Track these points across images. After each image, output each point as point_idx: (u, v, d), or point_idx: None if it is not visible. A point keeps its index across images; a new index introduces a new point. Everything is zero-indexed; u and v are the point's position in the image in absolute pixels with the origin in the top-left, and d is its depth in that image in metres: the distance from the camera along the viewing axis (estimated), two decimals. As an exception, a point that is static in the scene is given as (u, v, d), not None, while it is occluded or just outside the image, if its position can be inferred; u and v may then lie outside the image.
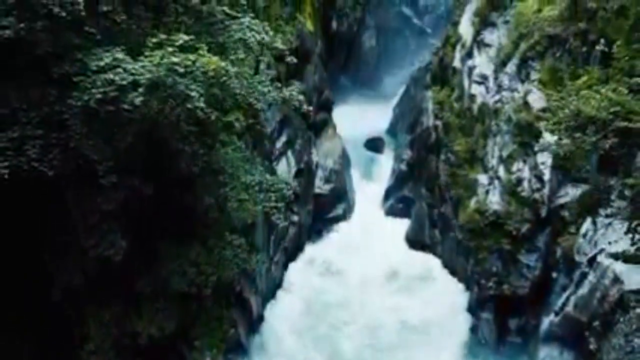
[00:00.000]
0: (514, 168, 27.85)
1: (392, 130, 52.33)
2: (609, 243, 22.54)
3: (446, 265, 33.71)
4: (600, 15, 27.27)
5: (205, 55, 14.29)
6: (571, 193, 26.13)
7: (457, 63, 39.17)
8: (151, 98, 13.36)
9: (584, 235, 25.13)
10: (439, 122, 38.39)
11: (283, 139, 36.73)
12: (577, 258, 25.04)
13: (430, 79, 44.07)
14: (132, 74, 13.16)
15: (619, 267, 22.34)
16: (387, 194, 42.39)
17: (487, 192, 28.83)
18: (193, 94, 14.24)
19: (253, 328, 27.95)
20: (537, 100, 28.67)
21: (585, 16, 27.92)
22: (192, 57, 13.65)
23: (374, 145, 49.63)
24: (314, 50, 45.91)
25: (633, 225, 15.30)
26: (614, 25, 26.27)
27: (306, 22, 45.60)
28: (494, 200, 28.04)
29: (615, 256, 18.34)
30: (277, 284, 31.76)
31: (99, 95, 13.05)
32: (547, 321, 25.87)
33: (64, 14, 13.00)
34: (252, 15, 18.77)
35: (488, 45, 36.13)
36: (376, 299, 31.11)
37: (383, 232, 37.45)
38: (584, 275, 24.65)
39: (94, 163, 14.35)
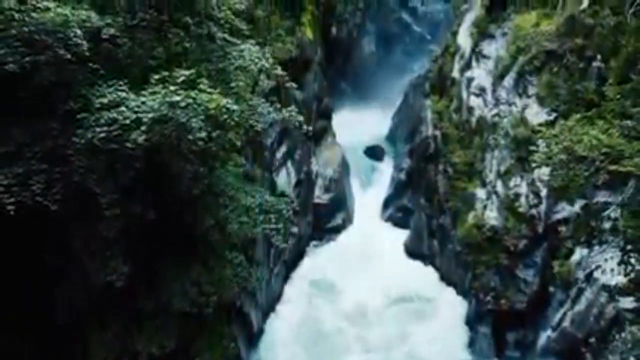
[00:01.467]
0: (512, 183, 28.08)
1: (391, 137, 52.57)
2: (605, 260, 22.85)
3: (444, 276, 33.95)
4: (598, 32, 27.52)
5: (205, 91, 14.54)
6: (568, 209, 26.37)
7: (455, 73, 39.38)
8: (154, 135, 13.61)
9: (581, 251, 25.43)
10: (437, 132, 38.62)
11: (283, 149, 36.94)
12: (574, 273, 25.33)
13: (429, 88, 44.30)
14: (135, 112, 13.42)
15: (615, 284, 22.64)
16: (386, 203, 42.63)
17: (485, 206, 29.06)
18: (194, 125, 14.50)
19: (253, 342, 28.19)
20: (534, 115, 28.88)
21: (582, 32, 28.10)
22: (193, 94, 13.89)
23: (373, 152, 49.88)
24: (313, 58, 46.14)
25: (625, 258, 15.57)
26: (610, 42, 26.62)
27: (306, 30, 45.86)
28: (492, 216, 28.29)
29: (609, 289, 18.59)
30: (277, 297, 31.98)
31: (102, 134, 13.32)
32: (545, 336, 26.15)
33: (68, 55, 13.27)
34: (252, 42, 18.97)
35: (486, 57, 36.33)
36: (374, 318, 31.24)
37: (382, 243, 37.63)
38: (580, 291, 24.94)
39: (97, 196, 14.62)
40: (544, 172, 27.24)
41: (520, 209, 27.11)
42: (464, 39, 40.50)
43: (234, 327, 25.55)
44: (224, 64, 17.97)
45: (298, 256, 35.29)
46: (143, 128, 13.24)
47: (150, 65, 17.00)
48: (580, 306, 24.53)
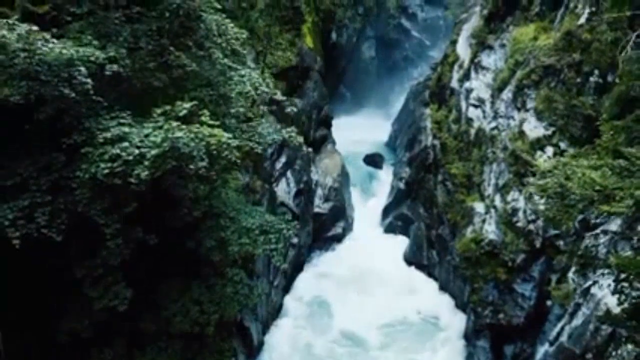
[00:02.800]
0: (510, 198, 28.29)
1: (391, 144, 52.94)
2: (602, 275, 23.06)
3: (443, 287, 34.22)
4: (595, 47, 27.70)
5: (207, 123, 14.78)
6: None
7: (454, 84, 39.62)
8: (157, 171, 13.86)
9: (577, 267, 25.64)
10: (436, 142, 38.92)
11: (282, 159, 37.17)
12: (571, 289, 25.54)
13: (428, 96, 44.66)
14: (138, 147, 13.66)
15: (612, 300, 22.84)
16: (386, 211, 42.93)
17: (483, 221, 29.29)
18: (195, 155, 14.72)
19: (253, 355, 28.41)
20: (532, 129, 29.08)
21: (580, 48, 28.29)
22: (195, 129, 14.12)
23: (373, 160, 50.17)
24: (313, 66, 46.40)
25: (619, 286, 15.81)
26: (608, 58, 26.81)
27: (305, 39, 46.10)
28: (490, 230, 28.51)
29: (602, 319, 18.81)
30: (277, 310, 32.21)
31: (106, 171, 13.57)
32: (542, 350, 26.34)
33: (73, 94, 13.52)
34: (252, 66, 19.20)
35: (485, 68, 36.57)
36: (372, 329, 31.47)
37: (381, 252, 37.88)
38: (578, 306, 25.12)
39: (101, 226, 14.87)
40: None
41: (519, 224, 27.30)
42: (463, 49, 40.77)
43: (234, 342, 25.76)
44: (225, 90, 18.21)
45: (298, 267, 35.50)
46: (146, 163, 13.49)
47: (153, 89, 17.25)
48: (578, 321, 24.71)
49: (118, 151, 13.59)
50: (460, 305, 31.90)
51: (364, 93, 61.16)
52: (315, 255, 38.08)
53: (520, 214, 27.48)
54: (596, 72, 27.60)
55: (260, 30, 37.27)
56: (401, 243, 38.99)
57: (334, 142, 47.19)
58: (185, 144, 13.81)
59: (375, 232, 41.44)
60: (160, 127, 14.10)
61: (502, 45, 35.88)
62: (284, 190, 36.39)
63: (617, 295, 15.72)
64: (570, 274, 25.54)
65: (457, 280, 32.18)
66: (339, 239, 40.25)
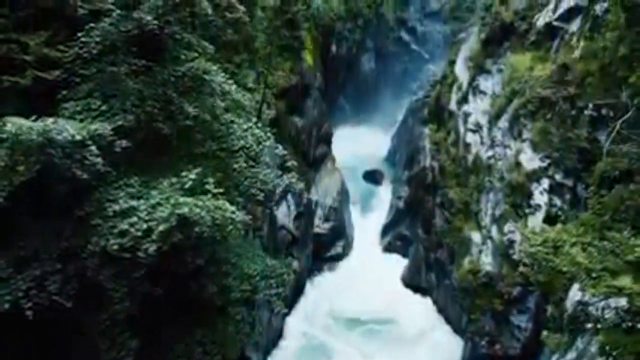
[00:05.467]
0: (506, 229, 28.84)
1: (390, 159, 53.41)
2: (596, 309, 23.65)
3: (441, 310, 34.81)
4: (589, 82, 28.18)
5: (211, 191, 15.33)
6: (561, 253, 27.17)
7: (453, 106, 40.18)
8: (164, 244, 14.43)
9: (572, 298, 26.18)
10: (435, 164, 39.49)
11: (283, 182, 37.58)
12: (568, 311, 26.08)
13: (427, 115, 45.20)
14: (146, 221, 14.23)
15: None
16: (385, 230, 43.52)
17: (480, 251, 29.88)
18: (200, 225, 15.26)
19: (255, 382, 29.04)
20: (528, 160, 29.61)
21: (575, 82, 28.74)
22: (200, 202, 14.67)
23: (372, 177, 50.74)
24: (313, 84, 46.88)
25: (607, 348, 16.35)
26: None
27: (305, 57, 46.48)
28: (487, 261, 29.10)
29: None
30: (279, 334, 32.81)
31: (115, 246, 14.14)
32: (538, 381, 26.97)
33: (85, 176, 14.09)
34: (253, 121, 19.76)
35: (483, 93, 37.11)
36: (372, 351, 32.11)
37: (381, 273, 38.38)
38: (573, 339, 25.68)
39: (110, 291, 15.44)
40: (537, 219, 28.16)
41: (515, 256, 27.84)
42: (461, 71, 41.31)
43: (237, 372, 26.30)
44: (228, 144, 18.77)
45: (298, 290, 36.05)
46: (154, 237, 14.05)
47: (160, 141, 17.80)
48: (572, 355, 25.23)
49: (127, 226, 14.15)
50: (458, 331, 32.49)
51: (364, 104, 61.57)
52: (315, 276, 38.66)
53: (517, 246, 28.00)
54: (590, 105, 28.02)
55: (260, 52, 37.70)
56: (400, 263, 39.54)
57: (333, 160, 47.60)
58: (192, 218, 14.38)
59: (374, 252, 42.02)
60: (167, 199, 14.65)
61: (500, 70, 36.40)
62: (284, 213, 36.89)
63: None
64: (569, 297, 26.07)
65: (455, 305, 32.75)
66: (338, 258, 40.83)
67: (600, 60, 21.63)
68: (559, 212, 28.11)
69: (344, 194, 44.18)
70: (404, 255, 40.41)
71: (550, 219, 27.88)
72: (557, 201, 28.11)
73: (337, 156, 47.98)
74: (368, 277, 37.67)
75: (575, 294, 16.13)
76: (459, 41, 45.03)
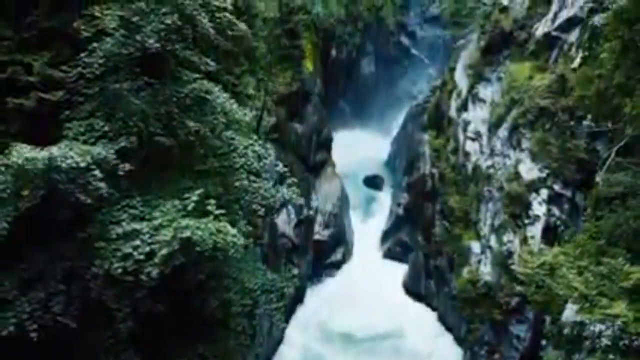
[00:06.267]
0: (505, 239, 29.04)
1: (390, 164, 53.56)
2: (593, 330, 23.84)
3: (441, 318, 35.02)
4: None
5: (213, 213, 15.53)
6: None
7: (452, 113, 40.37)
8: (166, 268, 14.65)
9: (572, 308, 26.39)
10: (435, 171, 39.69)
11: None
12: (565, 331, 26.28)
13: (427, 121, 45.38)
14: (149, 244, 14.44)
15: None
16: (385, 236, 43.72)
17: (479, 261, 30.09)
18: (198, 241, 15.47)
19: (255, 391, 29.24)
20: (528, 171, 29.80)
21: (573, 92, 28.91)
22: (203, 226, 14.87)
23: (373, 182, 50.89)
24: (313, 90, 47.09)
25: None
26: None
27: (306, 63, 46.61)
28: (486, 271, 29.31)
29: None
30: (279, 341, 33.03)
31: (119, 270, 14.36)
32: (538, 390, 27.16)
33: (89, 200, 14.30)
34: (254, 139, 19.98)
35: (482, 101, 37.29)
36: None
37: (381, 280, 38.56)
38: (571, 349, 25.89)
39: (113, 311, 15.65)
40: (536, 230, 28.37)
41: (514, 267, 28.05)
42: (461, 78, 41.47)
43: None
44: (229, 162, 18.97)
45: (298, 299, 36.24)
46: (157, 261, 14.27)
47: (163, 155, 18.05)
48: (571, 364, 25.47)
49: (130, 250, 14.35)
50: (458, 339, 32.70)
51: (364, 108, 61.71)
52: (315, 283, 38.86)
53: (515, 257, 28.23)
54: (589, 116, 28.21)
55: (261, 61, 37.87)
56: (400, 271, 39.73)
57: (333, 165, 47.78)
58: (194, 242, 14.61)
59: (374, 258, 42.20)
60: (170, 221, 14.85)
61: (499, 79, 36.58)
62: (285, 221, 37.13)
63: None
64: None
65: (455, 313, 32.96)
66: (339, 265, 41.02)
67: (596, 86, 21.84)
68: (558, 223, 28.33)
69: (344, 200, 44.38)
70: (404, 261, 40.58)
71: (549, 230, 28.17)
72: (556, 211, 28.32)
73: (337, 160, 48.18)
74: (368, 284, 37.87)
75: (571, 313, 16.32)
76: (459, 48, 45.16)
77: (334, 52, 58.90)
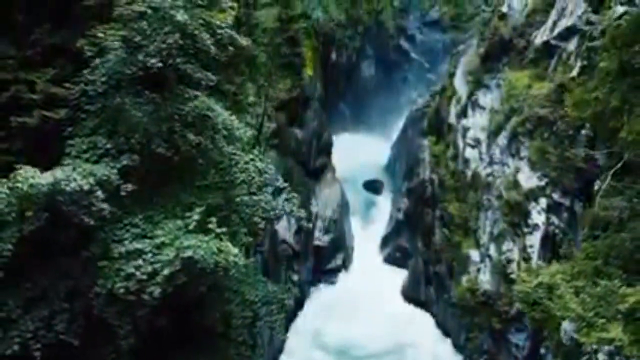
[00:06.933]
0: (504, 248, 29.22)
1: (390, 168, 53.67)
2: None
3: (440, 325, 35.19)
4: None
5: (214, 231, 15.71)
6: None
7: (452, 119, 40.53)
8: (169, 287, 14.83)
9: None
10: (434, 176, 39.85)
11: (283, 197, 37.94)
12: (564, 340, 26.47)
13: (426, 126, 45.55)
14: (151, 263, 14.61)
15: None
16: (385, 241, 43.88)
17: (478, 269, 30.27)
18: (200, 260, 15.66)
19: (255, 400, 29.36)
20: (526, 179, 29.97)
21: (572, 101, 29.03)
22: (204, 245, 15.04)
23: (373, 187, 51.00)
24: (313, 95, 47.29)
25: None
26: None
27: (306, 68, 46.74)
28: (485, 280, 29.49)
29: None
30: (279, 349, 33.19)
31: (122, 290, 14.53)
32: (537, 399, 27.37)
33: (92, 222, 14.47)
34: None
35: (481, 107, 37.46)
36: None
37: (381, 286, 38.66)
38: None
39: (116, 328, 15.82)
40: (535, 239, 28.55)
41: (512, 276, 28.22)
42: (460, 84, 41.64)
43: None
44: (230, 177, 19.14)
45: (299, 305, 36.39)
46: (159, 280, 14.45)
47: (165, 169, 18.23)
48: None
49: (133, 269, 14.51)
50: (457, 346, 32.86)
51: (364, 111, 61.82)
52: (315, 289, 39.01)
53: (514, 265, 28.44)
54: (587, 125, 28.34)
55: (261, 69, 38.04)
56: (400, 276, 39.87)
57: (333, 170, 47.94)
58: (196, 261, 14.80)
59: (374, 263, 42.32)
60: (172, 240, 15.03)
61: (498, 86, 36.75)
62: (285, 227, 37.30)
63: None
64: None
65: (455, 320, 33.14)
66: (338, 270, 41.18)
67: (593, 109, 22.05)
68: (557, 231, 28.51)
69: (343, 205, 44.54)
70: (404, 267, 40.73)
71: (548, 238, 28.35)
72: (555, 220, 28.48)
73: (337, 163, 48.33)
74: (368, 291, 37.90)
75: (569, 331, 16.51)
76: (458, 53, 45.31)
77: (334, 56, 59.09)
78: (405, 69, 61.65)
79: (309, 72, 46.99)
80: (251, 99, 37.23)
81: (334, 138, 49.72)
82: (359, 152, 54.36)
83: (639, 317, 14.35)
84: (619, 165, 18.61)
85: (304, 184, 41.62)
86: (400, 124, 56.75)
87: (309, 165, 44.77)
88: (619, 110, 17.98)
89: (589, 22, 26.16)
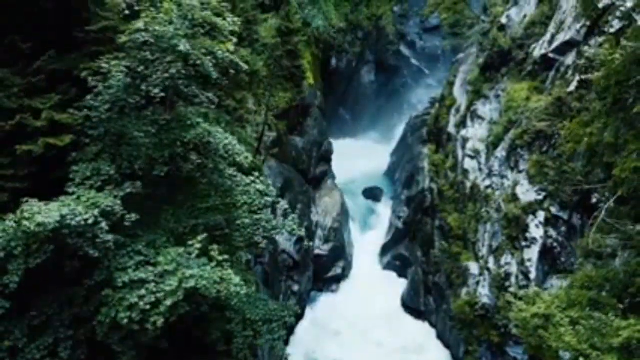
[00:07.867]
0: (503, 261, 29.44)
1: (390, 175, 53.84)
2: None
3: (440, 335, 35.41)
4: (584, 116, 28.70)
5: (216, 258, 15.98)
6: (556, 284, 27.79)
7: (451, 129, 40.77)
8: (171, 316, 15.10)
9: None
10: (434, 186, 40.06)
11: (284, 206, 38.15)
12: (561, 354, 26.74)
13: (426, 135, 45.81)
14: (154, 293, 14.88)
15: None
16: (385, 249, 44.03)
17: (477, 283, 30.49)
18: (202, 290, 15.94)
19: (257, 411, 29.61)
20: (525, 193, 30.18)
21: (570, 115, 29.30)
22: (206, 275, 15.29)
23: (372, 194, 51.11)
24: (314, 103, 47.53)
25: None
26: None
27: (306, 76, 46.97)
28: (484, 293, 29.70)
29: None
30: (280, 358, 33.36)
31: (125, 320, 14.80)
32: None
33: (97, 254, 14.75)
34: (256, 175, 20.40)
35: (481, 118, 37.69)
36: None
37: (380, 295, 38.88)
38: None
39: (119, 354, 16.09)
40: (533, 252, 28.79)
41: (511, 289, 28.47)
42: (459, 94, 41.93)
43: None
44: (231, 199, 19.44)
45: (299, 315, 36.55)
46: (162, 309, 14.72)
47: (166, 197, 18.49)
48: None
49: (136, 299, 14.79)
50: (456, 358, 33.07)
51: (364, 116, 62.19)
52: (315, 298, 39.19)
53: (513, 279, 28.67)
54: (585, 140, 28.57)
55: (262, 82, 38.26)
56: (399, 285, 40.05)
57: (333, 178, 48.19)
58: (198, 290, 15.08)
59: (374, 271, 42.49)
60: (176, 269, 15.30)
61: (497, 97, 36.98)
62: (286, 237, 37.44)
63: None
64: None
65: (453, 331, 33.35)
66: (339, 279, 41.33)
67: (587, 143, 22.31)
68: (555, 245, 28.74)
69: (343, 213, 44.70)
70: (404, 275, 40.90)
71: (546, 252, 28.59)
72: (553, 233, 28.70)
73: (337, 169, 48.54)
74: (368, 300, 38.17)
75: (566, 359, 16.78)
76: (458, 62, 45.54)
77: (334, 61, 59.55)
78: (405, 75, 61.85)
79: (309, 79, 47.29)
80: (251, 107, 37.60)
81: (334, 143, 49.87)
82: (359, 157, 54.57)
83: (632, 350, 14.63)
84: (611, 201, 18.82)
85: (304, 192, 41.87)
86: (400, 128, 57.04)
87: (309, 174, 45.03)
88: (612, 146, 18.20)
89: (585, 57, 26.34)
